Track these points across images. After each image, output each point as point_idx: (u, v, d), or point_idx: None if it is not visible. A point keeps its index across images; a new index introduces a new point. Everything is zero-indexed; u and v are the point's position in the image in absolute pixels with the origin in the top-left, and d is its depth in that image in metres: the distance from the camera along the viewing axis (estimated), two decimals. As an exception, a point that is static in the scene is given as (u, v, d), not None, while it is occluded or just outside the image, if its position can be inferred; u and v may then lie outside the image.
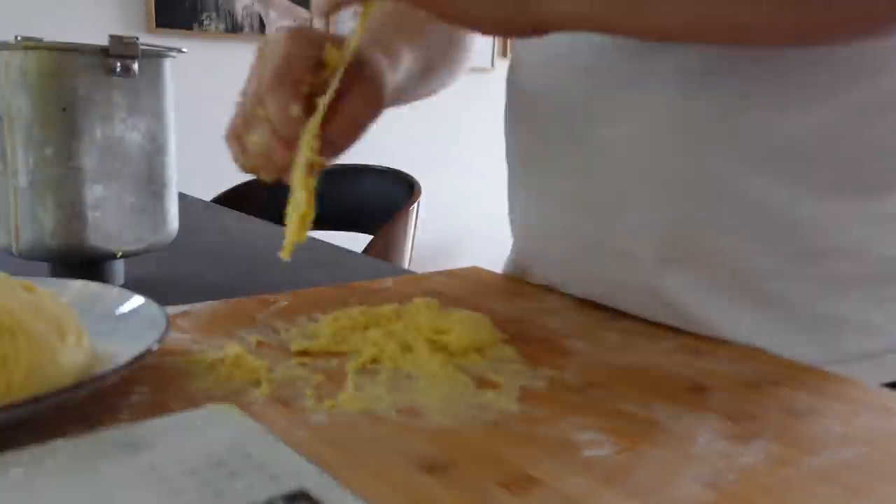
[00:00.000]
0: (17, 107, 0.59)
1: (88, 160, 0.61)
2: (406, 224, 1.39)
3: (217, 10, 2.37)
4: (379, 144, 2.99)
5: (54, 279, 0.51)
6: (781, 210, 0.49)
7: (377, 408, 0.39)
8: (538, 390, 0.43)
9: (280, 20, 2.51)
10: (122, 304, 0.47)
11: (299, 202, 0.48)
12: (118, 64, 0.61)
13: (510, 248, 0.72)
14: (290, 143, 0.48)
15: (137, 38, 0.62)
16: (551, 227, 0.60)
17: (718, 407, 0.41)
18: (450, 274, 0.71)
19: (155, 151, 0.65)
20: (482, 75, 3.40)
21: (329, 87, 0.48)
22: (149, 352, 0.38)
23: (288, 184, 0.49)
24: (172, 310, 0.53)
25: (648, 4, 0.42)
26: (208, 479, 0.28)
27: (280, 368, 0.44)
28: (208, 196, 1.56)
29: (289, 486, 0.28)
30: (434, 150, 3.32)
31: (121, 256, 0.65)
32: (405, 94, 0.61)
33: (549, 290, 0.65)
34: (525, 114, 0.62)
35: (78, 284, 0.49)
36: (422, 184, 1.58)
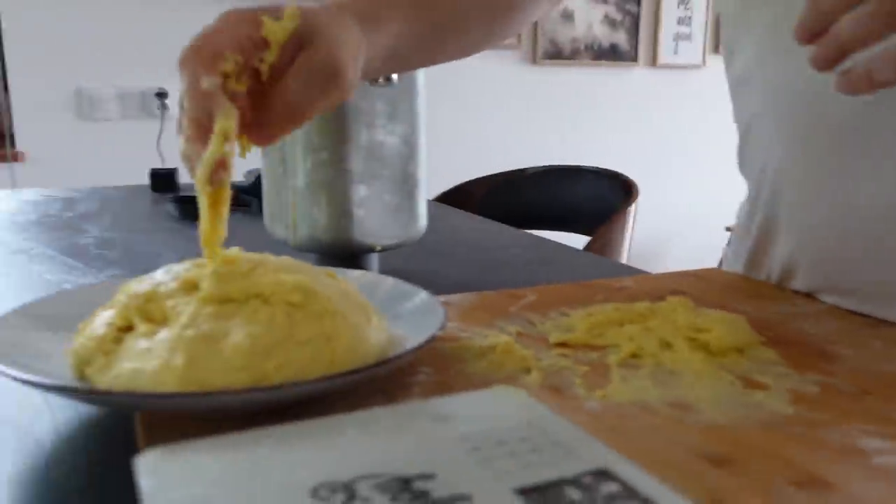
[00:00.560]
0: (298, 115, 0.67)
1: (355, 163, 0.67)
2: (623, 225, 1.38)
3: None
4: (587, 144, 2.97)
5: (333, 268, 0.57)
6: None
7: (647, 400, 0.40)
8: (810, 394, 0.42)
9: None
10: (397, 292, 0.51)
11: (202, 210, 0.41)
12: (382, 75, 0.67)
13: (746, 250, 0.70)
14: (203, 130, 0.41)
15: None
16: (850, 232, 0.57)
17: None
18: (687, 274, 0.70)
19: (409, 154, 0.71)
20: (693, 72, 3.29)
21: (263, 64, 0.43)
22: (434, 336, 0.42)
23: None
24: (434, 300, 0.58)
25: None
26: (514, 451, 0.31)
27: (545, 358, 0.47)
28: (431, 195, 1.65)
29: (592, 464, 0.30)
30: (642, 149, 3.25)
31: (379, 251, 0.71)
32: (408, 60, 0.57)
33: (796, 293, 0.62)
34: (818, 115, 0.57)
35: (356, 273, 0.55)
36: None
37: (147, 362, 0.37)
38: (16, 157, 2.26)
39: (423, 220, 0.74)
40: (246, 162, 0.52)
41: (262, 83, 0.44)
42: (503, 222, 1.14)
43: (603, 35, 3.04)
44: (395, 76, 0.68)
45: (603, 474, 0.29)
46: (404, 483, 0.28)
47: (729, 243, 0.79)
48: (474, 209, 1.57)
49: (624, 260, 1.35)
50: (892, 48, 0.39)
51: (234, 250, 0.45)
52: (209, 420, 0.37)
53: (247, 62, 0.43)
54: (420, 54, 0.59)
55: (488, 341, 0.48)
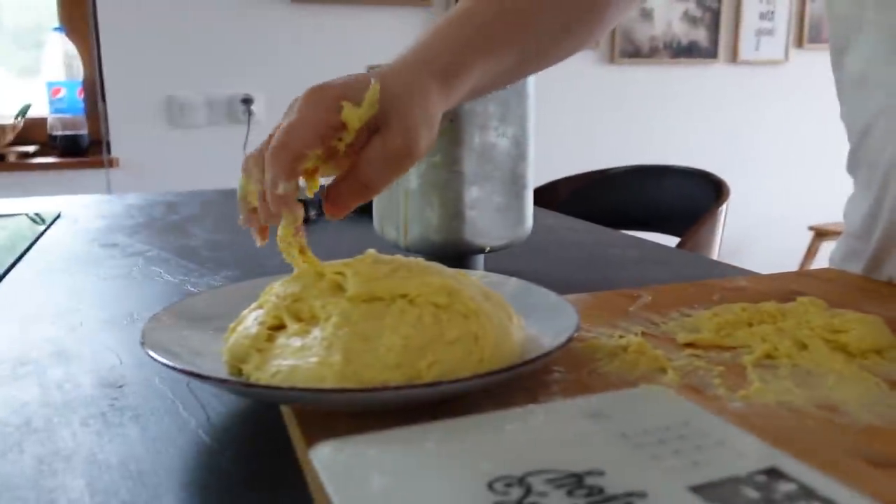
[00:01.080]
0: (411, 119, 0.68)
1: (468, 165, 0.68)
2: (714, 225, 1.36)
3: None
4: (666, 143, 2.92)
5: (455, 269, 0.58)
6: None
7: (792, 401, 0.40)
8: (962, 397, 0.41)
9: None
10: (523, 292, 0.52)
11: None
12: (493, 77, 0.68)
13: (868, 252, 0.68)
14: (272, 216, 0.46)
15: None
16: None
17: None
18: (804, 274, 0.69)
19: (519, 156, 0.71)
20: (775, 68, 3.20)
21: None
22: (574, 335, 0.42)
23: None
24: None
25: None
26: (677, 449, 0.31)
27: (676, 358, 0.47)
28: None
29: (761, 463, 0.30)
30: (721, 147, 3.18)
31: (488, 251, 0.72)
32: (491, 89, 0.58)
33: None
34: None
35: (478, 273, 0.56)
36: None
37: (304, 359, 0.39)
38: (111, 164, 2.36)
39: (530, 220, 0.75)
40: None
41: (338, 158, 0.47)
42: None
43: (682, 32, 2.99)
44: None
45: (775, 473, 0.29)
46: (578, 479, 0.29)
47: (837, 244, 0.76)
48: (558, 209, 1.56)
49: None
50: None
51: (370, 252, 0.47)
52: (360, 416, 0.39)
53: (326, 149, 0.46)
54: (503, 82, 0.60)
55: (619, 341, 0.49)
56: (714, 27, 3.03)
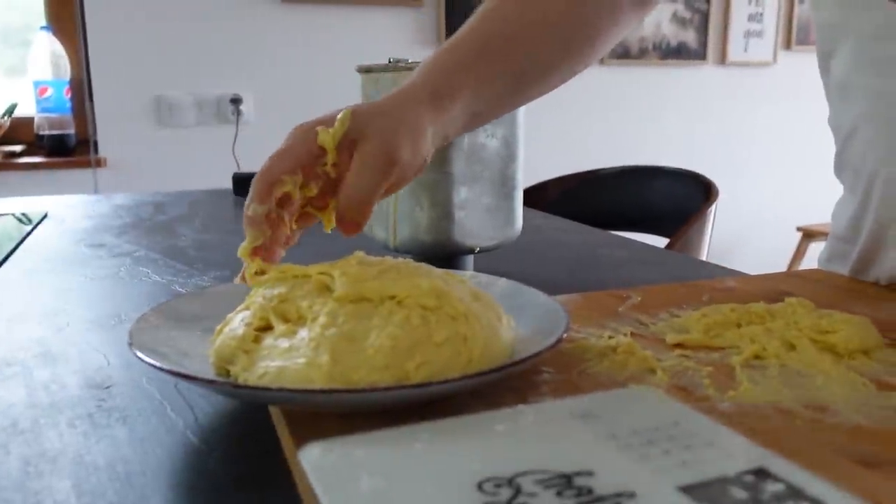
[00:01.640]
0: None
1: (457, 166, 0.68)
2: (703, 226, 1.36)
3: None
4: (655, 144, 2.94)
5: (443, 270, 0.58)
6: None
7: (781, 401, 0.40)
8: (948, 397, 0.41)
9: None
10: (511, 292, 0.52)
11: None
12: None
13: (854, 253, 0.69)
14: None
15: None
16: None
17: None
18: (792, 275, 0.69)
19: (508, 157, 0.71)
20: (763, 70, 3.22)
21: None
22: (563, 335, 0.42)
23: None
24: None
25: None
26: (666, 450, 0.31)
27: (665, 358, 0.47)
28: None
29: (750, 463, 0.30)
30: (710, 148, 3.20)
31: (477, 252, 0.72)
32: (492, 114, 0.60)
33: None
34: None
35: (467, 274, 0.56)
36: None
37: (292, 360, 0.38)
38: (99, 163, 2.35)
39: (519, 221, 0.75)
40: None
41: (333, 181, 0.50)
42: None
43: (671, 34, 3.00)
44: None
45: (763, 473, 0.29)
46: (567, 479, 0.29)
47: (824, 245, 0.77)
48: (547, 210, 1.56)
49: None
50: None
51: (358, 254, 0.46)
52: (348, 416, 0.38)
53: (308, 174, 0.49)
54: (503, 106, 0.62)
55: (608, 342, 0.49)
56: (703, 29, 3.05)
